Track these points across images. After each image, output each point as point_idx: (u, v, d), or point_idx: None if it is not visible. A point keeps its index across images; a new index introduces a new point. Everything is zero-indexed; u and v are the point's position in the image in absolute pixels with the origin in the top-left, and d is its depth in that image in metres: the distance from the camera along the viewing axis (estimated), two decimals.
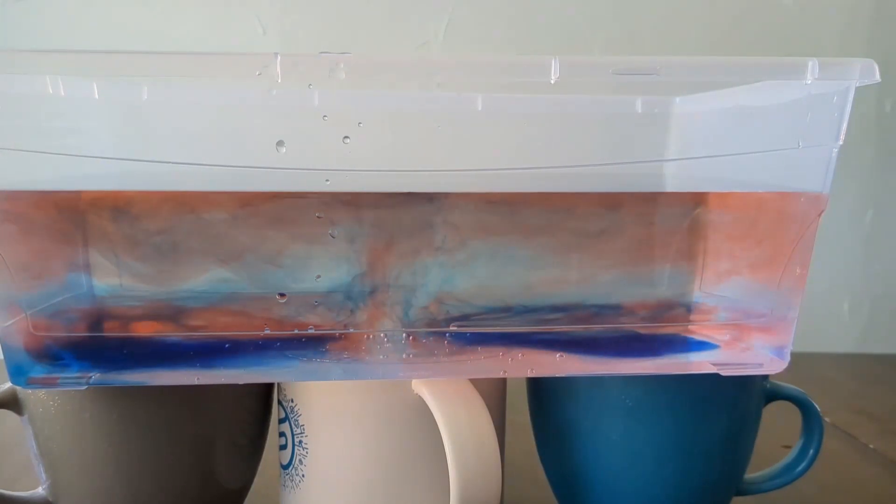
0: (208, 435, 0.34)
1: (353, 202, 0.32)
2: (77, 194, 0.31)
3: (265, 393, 0.36)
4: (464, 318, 0.33)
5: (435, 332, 0.32)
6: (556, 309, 0.34)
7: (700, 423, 0.34)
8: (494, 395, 0.34)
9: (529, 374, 0.34)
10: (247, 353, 0.32)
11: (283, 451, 0.34)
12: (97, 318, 0.32)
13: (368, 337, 0.32)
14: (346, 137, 0.33)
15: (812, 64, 0.29)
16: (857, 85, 0.30)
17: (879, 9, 0.81)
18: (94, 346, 0.32)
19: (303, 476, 0.33)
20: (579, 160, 0.38)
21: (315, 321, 0.32)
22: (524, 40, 0.80)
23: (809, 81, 0.29)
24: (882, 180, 0.83)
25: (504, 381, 0.35)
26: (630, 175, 0.36)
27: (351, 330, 0.32)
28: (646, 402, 0.34)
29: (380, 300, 0.32)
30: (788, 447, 0.39)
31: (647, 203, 0.35)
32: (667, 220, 0.35)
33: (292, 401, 0.33)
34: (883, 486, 0.46)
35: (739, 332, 0.35)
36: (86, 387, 0.30)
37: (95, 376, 0.30)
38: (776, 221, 0.34)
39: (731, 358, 0.34)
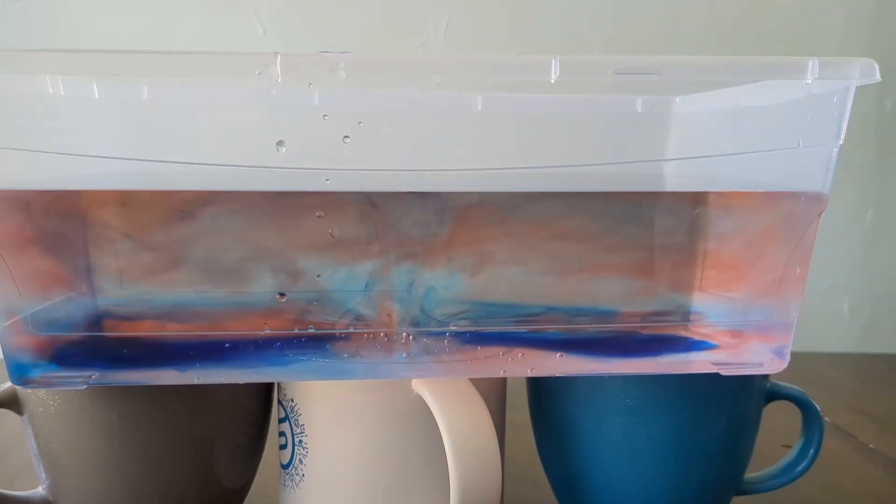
0: (208, 435, 0.34)
1: (353, 202, 0.32)
2: (77, 194, 0.31)
3: (265, 393, 0.36)
4: (464, 317, 0.33)
5: (435, 332, 0.32)
6: (555, 309, 0.34)
7: (700, 423, 0.34)
8: (494, 395, 0.34)
9: (529, 374, 0.34)
10: (247, 353, 0.32)
11: (283, 451, 0.34)
12: (97, 318, 0.32)
13: (368, 336, 0.32)
14: (346, 137, 0.33)
15: (812, 63, 0.29)
16: (858, 84, 0.30)
17: (879, 9, 0.81)
18: (94, 345, 0.32)
19: (303, 476, 0.33)
20: (579, 160, 0.38)
21: (315, 321, 0.32)
22: (524, 40, 0.80)
23: (810, 81, 0.29)
24: (882, 180, 0.83)
25: (504, 381, 0.35)
26: (630, 175, 0.36)
27: (351, 329, 0.32)
28: (646, 402, 0.34)
29: (380, 299, 0.32)
30: (788, 447, 0.39)
31: (647, 203, 0.35)
32: (666, 221, 0.35)
33: (292, 401, 0.33)
34: (883, 486, 0.46)
35: (739, 331, 0.35)
36: (86, 387, 0.30)
37: (95, 376, 0.30)
38: (776, 221, 0.34)
39: (731, 357, 0.34)
